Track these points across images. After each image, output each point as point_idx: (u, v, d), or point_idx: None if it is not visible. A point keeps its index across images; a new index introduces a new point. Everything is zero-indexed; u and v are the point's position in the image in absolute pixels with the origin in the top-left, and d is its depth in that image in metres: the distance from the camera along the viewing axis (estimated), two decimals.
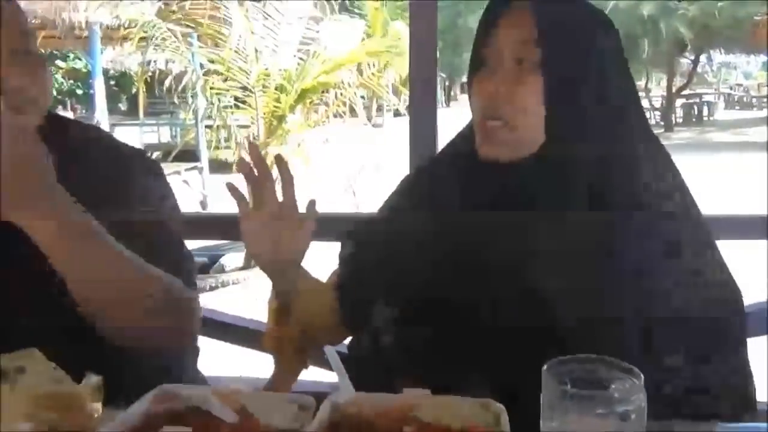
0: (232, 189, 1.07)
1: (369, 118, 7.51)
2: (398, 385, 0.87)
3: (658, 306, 0.92)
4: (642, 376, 0.66)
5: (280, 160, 1.09)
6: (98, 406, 0.84)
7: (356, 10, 15.27)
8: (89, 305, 1.03)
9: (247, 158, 1.09)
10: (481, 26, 1.01)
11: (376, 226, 1.18)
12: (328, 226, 1.95)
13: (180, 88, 6.96)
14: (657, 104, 22.15)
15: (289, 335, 1.14)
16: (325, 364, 1.02)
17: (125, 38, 6.71)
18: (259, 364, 2.10)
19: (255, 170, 1.05)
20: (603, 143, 0.95)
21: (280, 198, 1.08)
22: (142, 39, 6.41)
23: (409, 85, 1.71)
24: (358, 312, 1.11)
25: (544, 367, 0.68)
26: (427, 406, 0.83)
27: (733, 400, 0.94)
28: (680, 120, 21.75)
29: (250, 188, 1.07)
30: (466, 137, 1.06)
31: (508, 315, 0.95)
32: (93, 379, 0.83)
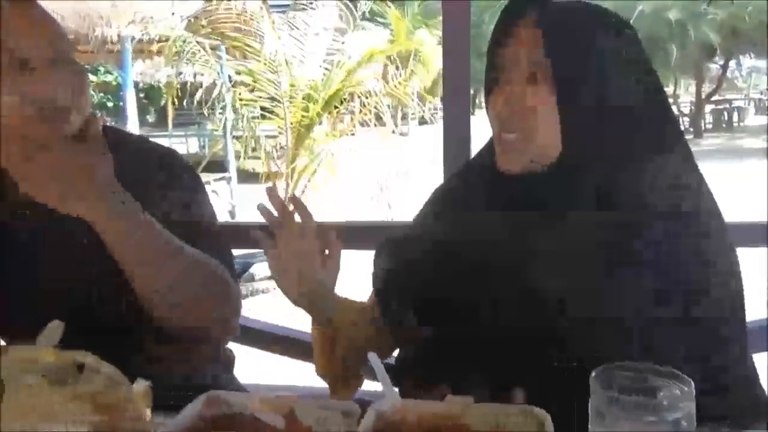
0: (255, 232, 1.09)
1: (395, 126, 7.51)
2: (440, 392, 0.88)
3: (674, 308, 0.92)
4: (692, 383, 0.66)
5: (295, 201, 1.10)
6: (148, 410, 0.87)
7: (379, 19, 15.38)
8: (145, 291, 1.11)
9: (268, 201, 1.09)
10: (492, 41, 1.02)
11: (408, 240, 1.18)
12: (359, 235, 1.99)
13: (213, 101, 7.07)
14: (686, 110, 21.86)
15: (337, 361, 1.14)
16: (371, 374, 1.03)
17: (157, 52, 6.84)
18: (292, 372, 2.13)
19: (276, 213, 1.07)
20: (622, 149, 0.95)
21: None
22: (175, 53, 6.52)
23: (443, 92, 1.72)
24: (400, 325, 1.12)
25: (592, 374, 0.69)
26: (471, 413, 0.84)
27: (741, 401, 0.93)
28: (710, 126, 21.46)
29: (274, 231, 1.09)
30: (489, 150, 1.07)
31: (541, 323, 0.96)
32: (144, 384, 0.85)
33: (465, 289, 1.03)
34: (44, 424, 0.78)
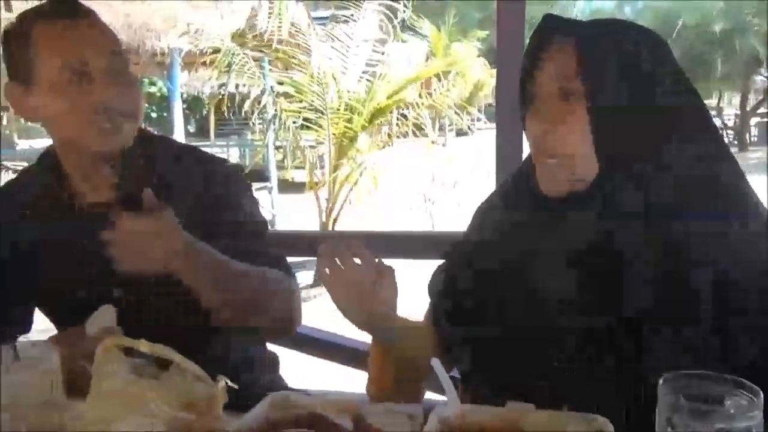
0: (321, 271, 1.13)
1: (432, 139, 7.54)
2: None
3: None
4: (761, 393, 0.67)
5: (347, 243, 1.13)
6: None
7: (419, 31, 15.47)
8: (219, 313, 1.24)
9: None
10: (525, 64, 1.03)
11: (454, 264, 1.20)
12: (404, 245, 2.02)
13: (257, 111, 7.19)
14: (730, 123, 21.40)
15: (392, 379, 1.16)
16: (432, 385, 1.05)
17: (205, 64, 7.00)
18: (334, 376, 2.16)
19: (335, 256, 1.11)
20: (661, 167, 0.94)
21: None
22: (226, 65, 6.68)
23: (496, 102, 1.74)
24: (454, 343, 1.14)
25: (660, 381, 0.70)
26: (532, 419, 0.86)
27: None
28: (755, 139, 20.93)
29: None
30: (528, 169, 1.07)
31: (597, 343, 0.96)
32: (222, 382, 0.89)
33: (512, 311, 1.04)
34: (127, 414, 0.82)
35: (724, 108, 24.01)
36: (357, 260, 1.11)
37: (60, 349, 1.05)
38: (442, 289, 1.19)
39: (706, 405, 0.67)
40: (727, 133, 19.41)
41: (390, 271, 1.12)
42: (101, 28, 1.27)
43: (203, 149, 1.45)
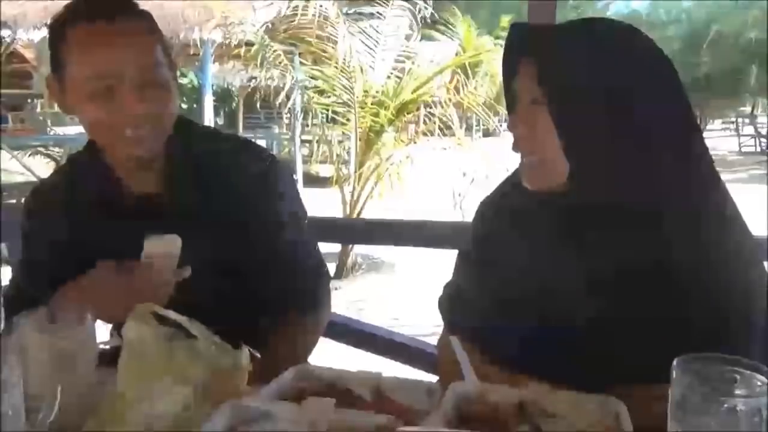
0: None
1: (459, 137, 7.52)
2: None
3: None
4: None
5: None
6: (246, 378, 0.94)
7: (451, 29, 15.45)
8: None
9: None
10: (503, 74, 1.11)
11: (462, 260, 1.26)
12: (432, 233, 2.04)
13: (286, 105, 7.23)
14: (764, 131, 21.02)
15: None
16: None
17: (237, 56, 7.05)
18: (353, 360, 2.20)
19: None
20: (628, 163, 0.98)
21: None
22: (260, 58, 6.73)
23: None
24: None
25: (673, 364, 0.72)
26: (549, 398, 0.88)
27: None
28: None
29: None
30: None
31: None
32: (247, 352, 0.93)
33: (515, 306, 1.08)
34: (158, 376, 0.86)
35: (758, 116, 23.58)
36: None
37: (114, 278, 1.09)
38: (451, 291, 1.25)
39: (718, 386, 0.69)
40: (760, 141, 19.09)
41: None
42: (140, 31, 1.22)
43: (245, 137, 1.47)
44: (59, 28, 1.22)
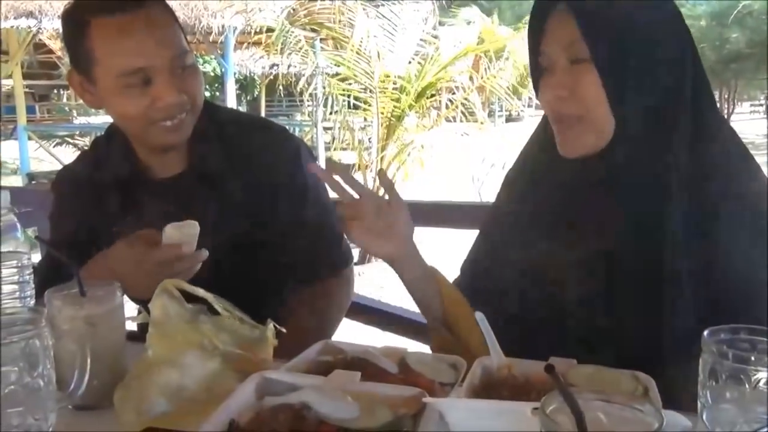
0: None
1: (482, 121, 7.48)
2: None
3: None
4: None
5: (380, 174, 1.14)
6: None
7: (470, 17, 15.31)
8: None
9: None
10: (530, 36, 1.06)
11: (484, 231, 1.24)
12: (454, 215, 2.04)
13: (308, 91, 7.24)
14: None
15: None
16: None
17: (259, 43, 7.07)
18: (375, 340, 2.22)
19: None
20: (669, 125, 0.97)
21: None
22: (272, 45, 6.73)
23: None
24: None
25: (704, 335, 0.71)
26: (575, 372, 0.87)
27: None
28: None
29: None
30: (544, 133, 1.10)
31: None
32: (272, 326, 0.93)
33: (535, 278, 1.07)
34: (186, 350, 0.87)
35: None
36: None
37: (132, 251, 1.11)
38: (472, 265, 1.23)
39: (748, 356, 0.68)
40: None
41: (404, 204, 1.08)
42: (164, 20, 1.22)
43: (271, 120, 1.47)
44: (78, 23, 1.20)
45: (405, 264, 1.09)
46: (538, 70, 1.06)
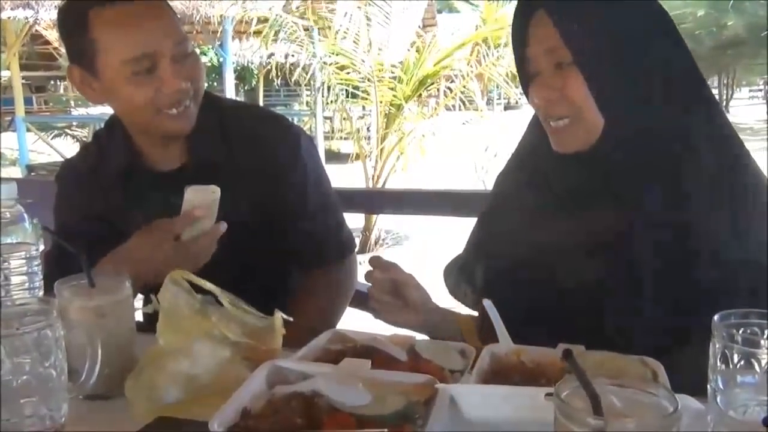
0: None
1: (481, 110, 7.46)
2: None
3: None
4: None
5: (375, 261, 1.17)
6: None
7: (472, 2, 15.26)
8: None
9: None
10: (514, 45, 1.08)
11: (481, 222, 1.26)
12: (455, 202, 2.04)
13: (305, 80, 7.21)
14: None
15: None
16: None
17: (258, 33, 7.02)
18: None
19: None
20: (659, 118, 0.98)
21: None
22: (275, 34, 6.70)
23: None
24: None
25: (714, 319, 0.71)
26: (584, 358, 0.87)
27: None
28: None
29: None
30: (537, 130, 1.12)
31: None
32: (280, 316, 0.94)
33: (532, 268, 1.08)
34: (195, 339, 0.87)
35: None
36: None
37: (150, 236, 1.12)
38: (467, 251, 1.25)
39: (758, 340, 0.68)
40: None
41: (409, 276, 1.18)
42: (161, 7, 1.22)
43: (271, 109, 1.48)
44: (77, 16, 1.19)
45: (429, 323, 1.18)
46: (525, 77, 1.09)
